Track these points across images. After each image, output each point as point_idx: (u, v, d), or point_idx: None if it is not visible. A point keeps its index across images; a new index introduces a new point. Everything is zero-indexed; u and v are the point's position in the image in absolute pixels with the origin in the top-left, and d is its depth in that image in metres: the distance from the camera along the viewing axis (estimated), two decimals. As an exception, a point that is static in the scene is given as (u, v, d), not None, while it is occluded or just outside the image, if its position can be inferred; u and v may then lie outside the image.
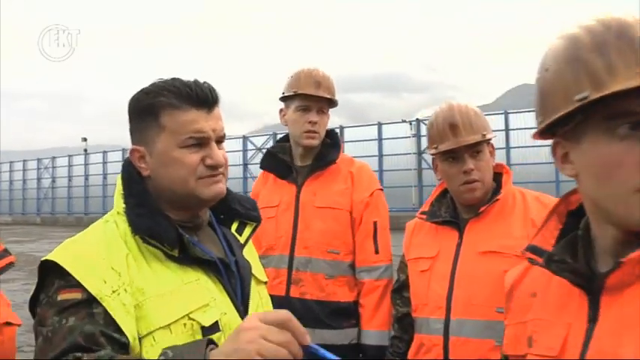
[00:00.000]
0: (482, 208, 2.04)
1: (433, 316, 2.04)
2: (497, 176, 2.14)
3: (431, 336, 2.05)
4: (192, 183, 1.35)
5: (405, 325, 2.29)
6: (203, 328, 1.29)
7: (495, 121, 23.19)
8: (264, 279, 1.61)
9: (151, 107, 1.35)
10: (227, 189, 1.47)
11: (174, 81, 1.36)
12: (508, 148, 25.04)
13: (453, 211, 2.14)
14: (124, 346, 1.18)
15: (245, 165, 30.37)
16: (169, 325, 1.25)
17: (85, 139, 44.30)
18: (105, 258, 1.26)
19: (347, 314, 2.54)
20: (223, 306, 1.36)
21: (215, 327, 1.31)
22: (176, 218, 1.38)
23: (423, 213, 2.23)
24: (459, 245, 2.06)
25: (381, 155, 29.91)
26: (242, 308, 1.40)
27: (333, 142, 2.69)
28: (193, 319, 1.28)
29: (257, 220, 1.57)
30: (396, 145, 29.65)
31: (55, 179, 44.85)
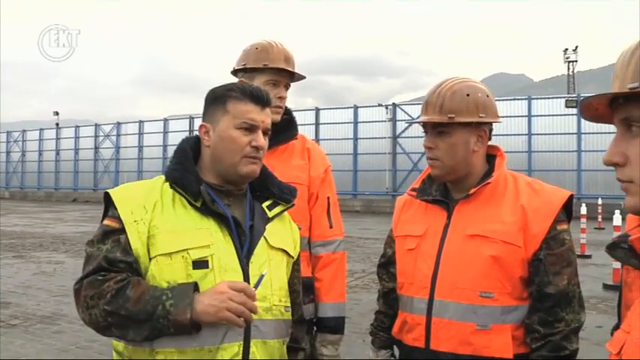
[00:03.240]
0: (472, 190, 2.01)
1: (417, 295, 2.04)
2: (492, 158, 2.11)
3: (414, 315, 2.05)
4: (237, 158, 1.77)
5: (389, 300, 2.28)
6: (193, 262, 1.66)
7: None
8: (281, 246, 1.87)
9: (222, 96, 1.80)
10: (272, 175, 1.94)
11: (243, 84, 1.86)
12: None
13: (444, 190, 2.12)
14: (133, 268, 1.66)
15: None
16: (170, 253, 1.66)
17: (56, 113, 43.49)
18: (141, 197, 1.74)
19: (306, 290, 2.52)
20: (223, 252, 1.70)
21: (204, 264, 1.67)
22: (213, 181, 1.80)
23: (413, 190, 2.21)
24: (446, 226, 2.04)
25: (356, 138, 30.00)
26: (245, 261, 1.73)
27: (290, 117, 2.67)
28: (189, 254, 1.66)
29: (288, 202, 1.94)
30: (371, 129, 29.74)
31: (25, 153, 44.08)
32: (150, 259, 1.68)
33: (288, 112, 2.67)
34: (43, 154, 42.68)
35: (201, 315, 1.58)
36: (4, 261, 11.97)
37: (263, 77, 2.55)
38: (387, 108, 29.18)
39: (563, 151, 25.49)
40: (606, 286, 8.97)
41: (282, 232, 1.92)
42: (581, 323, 1.92)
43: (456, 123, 1.99)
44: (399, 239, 2.21)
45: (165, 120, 37.74)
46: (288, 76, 2.59)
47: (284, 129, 2.61)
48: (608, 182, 23.31)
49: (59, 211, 28.05)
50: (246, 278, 1.71)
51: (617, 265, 8.99)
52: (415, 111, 28.34)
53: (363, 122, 29.97)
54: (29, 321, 7.07)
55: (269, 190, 1.91)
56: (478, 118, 2.00)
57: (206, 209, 1.73)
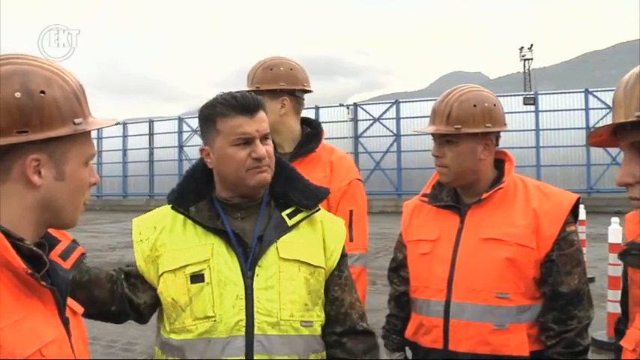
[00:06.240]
0: (484, 195, 2.07)
1: (434, 298, 2.09)
2: (500, 163, 2.17)
3: (431, 318, 2.10)
4: (242, 173, 1.72)
5: (401, 303, 2.32)
6: (190, 276, 1.70)
7: (427, 108, 23.44)
8: (295, 257, 1.76)
9: (209, 116, 1.75)
10: (295, 180, 1.86)
11: (226, 94, 1.75)
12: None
13: (455, 196, 2.17)
14: (131, 275, 1.81)
15: (180, 147, 29.71)
16: (174, 270, 1.72)
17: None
18: (152, 219, 1.84)
19: None
20: (224, 266, 1.70)
21: (199, 278, 1.69)
22: (226, 195, 1.79)
23: (424, 195, 2.25)
24: (460, 230, 2.10)
25: (319, 139, 29.95)
26: (250, 274, 1.70)
27: (314, 131, 2.70)
28: (186, 269, 1.70)
29: (309, 208, 1.83)
30: (333, 129, 29.76)
31: None
32: (158, 276, 1.75)
33: (314, 126, 2.72)
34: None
35: None
36: None
37: None
38: (348, 108, 29.27)
39: (522, 147, 25.89)
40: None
41: (304, 242, 1.80)
42: (590, 319, 2.01)
43: (463, 133, 2.04)
44: (411, 244, 2.26)
45: (125, 123, 37.10)
46: (267, 92, 2.57)
47: (305, 143, 2.64)
48: (566, 177, 23.84)
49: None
50: (249, 291, 1.68)
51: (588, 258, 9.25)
52: (376, 110, 28.52)
53: (325, 122, 29.76)
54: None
55: (289, 198, 1.83)
56: (484, 129, 2.05)
57: (209, 226, 1.74)
